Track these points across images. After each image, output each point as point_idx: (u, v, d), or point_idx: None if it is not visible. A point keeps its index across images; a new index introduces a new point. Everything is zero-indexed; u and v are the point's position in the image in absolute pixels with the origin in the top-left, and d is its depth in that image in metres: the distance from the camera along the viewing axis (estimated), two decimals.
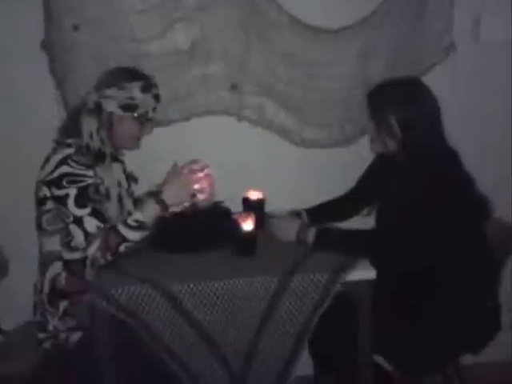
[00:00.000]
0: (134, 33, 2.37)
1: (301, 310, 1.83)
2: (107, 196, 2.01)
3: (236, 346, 1.84)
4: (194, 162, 2.03)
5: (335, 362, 2.05)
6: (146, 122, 2.04)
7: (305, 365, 2.04)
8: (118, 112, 1.99)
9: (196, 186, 1.98)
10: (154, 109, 2.04)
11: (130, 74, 2.02)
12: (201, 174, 2.00)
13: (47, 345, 1.97)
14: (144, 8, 2.36)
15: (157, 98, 2.04)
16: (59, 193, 1.88)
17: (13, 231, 2.38)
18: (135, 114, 2.00)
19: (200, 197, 2.01)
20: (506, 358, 2.65)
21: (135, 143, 2.08)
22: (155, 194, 1.97)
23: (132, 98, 1.98)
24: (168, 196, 1.95)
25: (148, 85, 2.01)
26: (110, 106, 1.98)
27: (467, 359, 2.03)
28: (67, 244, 1.95)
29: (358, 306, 1.87)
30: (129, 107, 1.99)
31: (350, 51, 2.47)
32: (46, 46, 2.35)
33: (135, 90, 1.98)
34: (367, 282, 1.85)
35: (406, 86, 2.02)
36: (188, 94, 2.46)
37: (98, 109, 1.99)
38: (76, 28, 2.32)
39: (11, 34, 2.36)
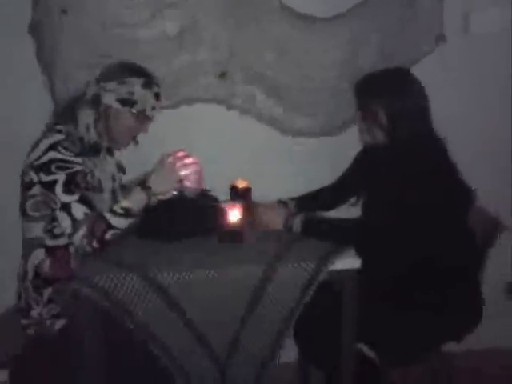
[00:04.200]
0: (122, 18, 2.34)
1: (286, 298, 1.84)
2: (99, 188, 2.01)
3: (221, 333, 1.85)
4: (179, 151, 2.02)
5: (320, 349, 2.05)
6: (143, 119, 2.03)
7: (289, 351, 2.04)
8: (116, 106, 1.98)
9: (182, 172, 1.97)
10: (153, 107, 2.02)
11: (133, 70, 2.00)
12: (187, 161, 1.99)
13: (31, 331, 1.96)
14: None
15: (157, 96, 2.02)
16: (47, 178, 1.87)
17: None
18: (133, 110, 1.99)
19: (187, 183, 2.00)
20: (489, 347, 2.67)
21: (130, 141, 2.07)
22: (142, 182, 1.96)
23: (131, 94, 1.97)
24: (154, 183, 1.94)
25: (149, 82, 2.00)
26: (109, 99, 1.97)
27: (449, 347, 2.05)
28: (50, 231, 1.94)
29: (342, 295, 1.87)
30: (127, 102, 1.97)
31: (340, 40, 2.46)
32: (33, 29, 2.32)
33: (135, 86, 1.97)
34: (352, 270, 1.85)
35: (392, 76, 2.02)
36: (176, 81, 2.44)
37: (96, 101, 1.98)
38: (64, 12, 2.29)
39: None
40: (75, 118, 1.97)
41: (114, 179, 2.12)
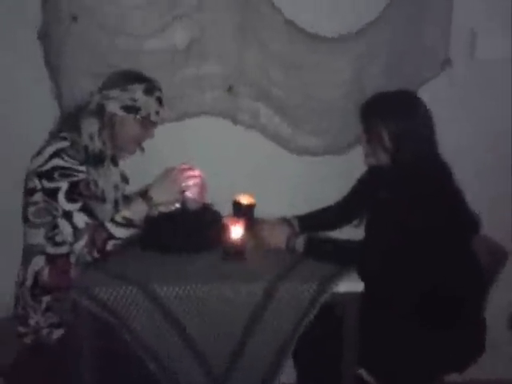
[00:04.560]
0: (131, 28, 2.34)
1: (286, 319, 1.82)
2: (102, 198, 1.99)
3: (219, 352, 1.83)
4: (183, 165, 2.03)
5: (319, 372, 2.04)
6: (148, 125, 2.03)
7: (287, 373, 2.02)
8: (120, 113, 1.98)
9: (184, 184, 1.97)
10: (157, 112, 2.03)
11: (134, 77, 2.02)
12: (190, 173, 1.99)
13: (28, 340, 1.94)
14: (143, 3, 2.33)
15: (159, 101, 2.03)
16: (50, 185, 1.86)
17: None
18: (137, 116, 1.99)
19: (188, 194, 1.99)
20: (491, 377, 2.63)
21: (136, 147, 2.07)
22: (143, 192, 1.96)
23: (134, 100, 1.97)
24: (156, 193, 1.94)
25: (151, 87, 2.01)
26: (113, 107, 1.97)
27: (453, 377, 2.04)
28: (51, 238, 1.93)
29: (344, 318, 1.86)
30: (131, 109, 1.98)
31: (347, 60, 2.45)
32: (43, 36, 2.32)
33: (138, 92, 1.97)
34: (355, 293, 1.84)
35: (397, 99, 2.01)
36: (182, 93, 2.43)
37: (100, 110, 1.98)
38: (74, 19, 2.28)
39: (8, 23, 2.33)
40: (78, 128, 1.96)
41: (117, 189, 2.11)
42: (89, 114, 1.98)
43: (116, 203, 2.08)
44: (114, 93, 1.97)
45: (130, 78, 2.01)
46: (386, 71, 2.49)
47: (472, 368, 2.01)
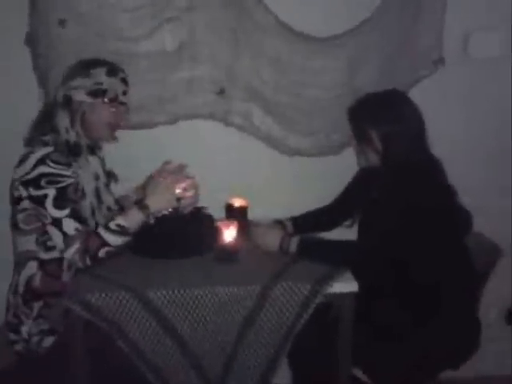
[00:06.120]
0: (121, 31, 2.33)
1: (281, 320, 1.81)
2: (83, 195, 1.96)
3: (213, 355, 1.82)
4: (167, 163, 2.03)
5: (314, 374, 2.02)
6: (118, 107, 2.00)
7: (282, 376, 2.01)
8: (88, 99, 1.95)
9: (179, 190, 1.95)
10: (124, 92, 2.00)
11: (94, 62, 2.00)
12: (183, 177, 1.98)
13: (19, 347, 1.92)
14: (132, 7, 2.31)
15: (124, 81, 2.01)
16: (37, 193, 1.84)
17: None
18: (105, 99, 1.97)
19: (184, 202, 1.98)
20: (485, 374, 2.63)
21: (111, 133, 2.03)
22: (139, 201, 1.94)
23: (99, 83, 1.95)
24: (152, 201, 1.92)
25: (113, 69, 1.99)
26: (79, 96, 1.95)
27: (446, 374, 2.02)
28: (43, 243, 1.91)
29: (339, 319, 1.85)
30: (97, 93, 1.95)
31: (339, 60, 2.44)
32: (30, 41, 2.30)
33: (101, 75, 1.95)
34: (349, 294, 1.83)
35: (385, 100, 1.99)
36: (174, 96, 2.42)
37: (67, 102, 1.95)
38: (62, 23, 2.27)
39: None
40: (54, 127, 1.94)
41: (97, 178, 2.07)
42: (59, 108, 1.95)
43: (97, 192, 2.05)
44: (78, 81, 1.94)
45: (90, 63, 1.98)
46: (380, 71, 2.48)
47: (466, 365, 2.00)
